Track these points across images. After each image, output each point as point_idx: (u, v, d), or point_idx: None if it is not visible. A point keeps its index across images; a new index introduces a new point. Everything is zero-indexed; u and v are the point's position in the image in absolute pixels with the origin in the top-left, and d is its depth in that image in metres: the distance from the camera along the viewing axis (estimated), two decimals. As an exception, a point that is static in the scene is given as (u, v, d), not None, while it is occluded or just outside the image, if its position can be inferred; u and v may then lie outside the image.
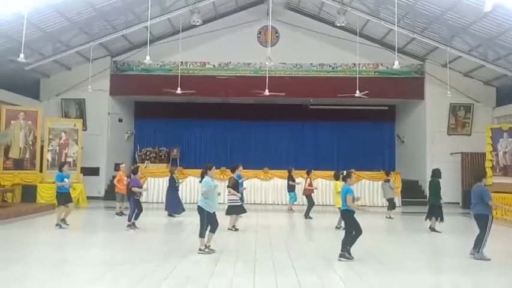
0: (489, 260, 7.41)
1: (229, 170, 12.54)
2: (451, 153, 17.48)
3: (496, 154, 14.88)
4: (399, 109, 21.21)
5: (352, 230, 7.47)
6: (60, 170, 10.80)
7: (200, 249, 7.62)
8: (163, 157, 20.09)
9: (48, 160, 15.99)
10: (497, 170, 14.75)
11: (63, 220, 10.52)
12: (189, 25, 17.20)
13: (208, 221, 7.67)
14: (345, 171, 9.03)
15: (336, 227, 10.75)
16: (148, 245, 8.95)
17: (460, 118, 18.12)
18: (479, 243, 7.54)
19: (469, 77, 17.84)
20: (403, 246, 9.43)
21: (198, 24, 16.57)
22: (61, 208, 10.68)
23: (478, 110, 18.01)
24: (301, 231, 11.72)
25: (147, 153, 19.94)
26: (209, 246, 7.76)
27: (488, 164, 14.92)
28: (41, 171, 15.79)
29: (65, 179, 10.59)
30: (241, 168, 11.95)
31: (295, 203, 15.17)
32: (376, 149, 21.21)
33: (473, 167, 16.36)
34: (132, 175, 10.91)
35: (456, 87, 17.10)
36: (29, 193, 15.01)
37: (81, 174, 16.32)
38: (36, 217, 12.60)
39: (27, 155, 15.55)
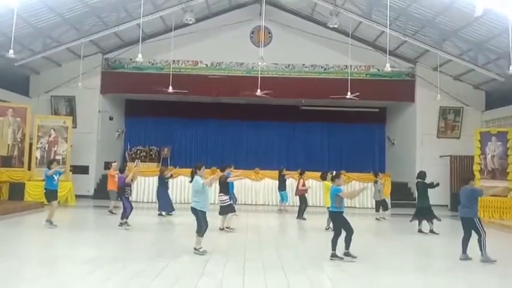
0: (495, 261, 7.42)
1: (219, 170, 12.47)
2: (440, 156, 17.66)
3: (484, 157, 15.06)
4: (390, 111, 21.36)
5: (340, 230, 7.50)
6: (49, 167, 10.65)
7: (195, 249, 7.54)
8: (153, 156, 19.95)
9: (36, 158, 15.81)
10: (485, 173, 14.93)
11: (48, 221, 10.31)
12: (181, 23, 17.09)
13: (204, 220, 7.63)
14: (334, 172, 9.07)
15: (326, 229, 10.77)
16: (138, 244, 8.89)
17: (449, 121, 18.32)
18: (480, 246, 7.53)
19: (459, 81, 18.05)
20: (392, 247, 9.48)
21: (190, 22, 16.48)
22: (51, 205, 10.45)
23: (468, 114, 18.22)
24: (292, 232, 11.74)
25: (138, 152, 19.78)
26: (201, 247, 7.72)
27: (476, 168, 15.10)
28: (29, 168, 15.59)
29: (55, 176, 10.46)
30: (232, 168, 11.94)
31: (287, 203, 15.19)
32: (367, 151, 21.34)
33: (461, 170, 16.55)
34: (119, 173, 10.92)
35: (446, 90, 17.28)
36: (16, 191, 14.82)
37: (70, 173, 16.17)
38: (24, 215, 12.45)
39: (16, 152, 15.35)
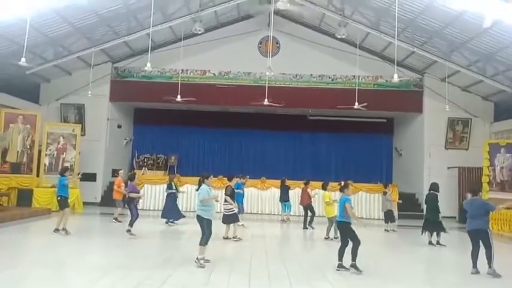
0: (500, 276, 7.25)
1: (226, 179, 12.45)
2: (448, 168, 17.51)
3: (493, 169, 14.91)
4: (397, 122, 21.27)
5: (347, 241, 7.44)
6: (62, 175, 10.73)
7: (198, 258, 7.51)
8: (160, 164, 20.05)
9: (45, 164, 15.94)
10: (494, 185, 14.77)
11: (65, 229, 10.36)
12: (190, 33, 17.28)
13: (209, 229, 7.62)
14: (342, 182, 9.04)
15: (325, 238, 10.85)
16: (144, 252, 8.89)
17: (457, 132, 18.19)
18: (489, 259, 7.39)
19: (468, 92, 17.95)
20: (399, 259, 9.38)
21: (199, 32, 16.63)
22: (64, 212, 10.49)
23: (476, 125, 18.09)
24: (297, 242, 11.68)
25: (145, 160, 19.90)
26: (203, 257, 7.68)
27: (485, 179, 14.94)
28: (37, 175, 15.73)
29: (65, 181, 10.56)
30: (241, 178, 11.93)
31: (291, 213, 15.13)
32: (374, 161, 21.19)
33: (470, 182, 16.36)
34: (129, 182, 10.93)
35: (454, 101, 17.20)
36: (24, 197, 14.91)
37: (78, 180, 16.26)
38: (32, 221, 12.53)
39: (25, 159, 15.52)
